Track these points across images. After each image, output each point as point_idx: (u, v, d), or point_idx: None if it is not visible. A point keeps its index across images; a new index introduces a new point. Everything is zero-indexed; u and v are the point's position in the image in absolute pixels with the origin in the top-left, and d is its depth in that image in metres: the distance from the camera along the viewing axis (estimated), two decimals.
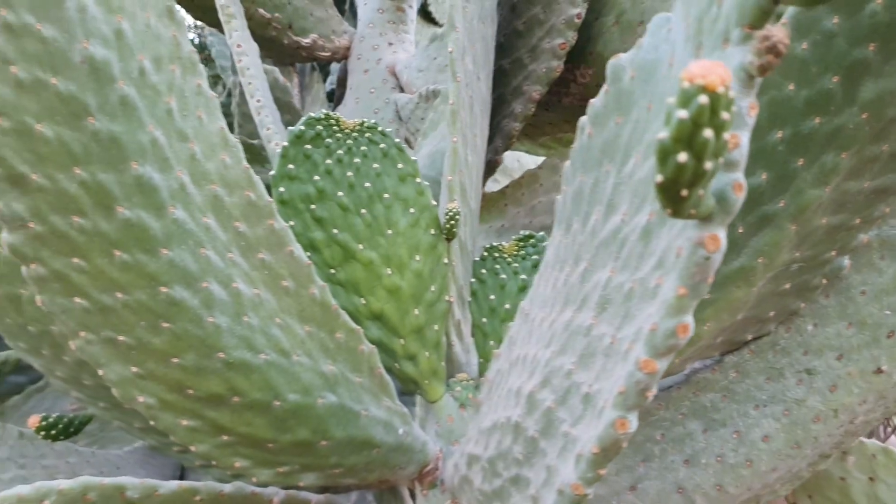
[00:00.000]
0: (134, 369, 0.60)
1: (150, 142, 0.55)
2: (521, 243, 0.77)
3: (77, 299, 0.57)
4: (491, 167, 0.92)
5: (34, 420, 0.85)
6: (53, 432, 0.85)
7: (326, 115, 0.72)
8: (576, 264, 0.45)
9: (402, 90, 1.18)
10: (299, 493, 0.75)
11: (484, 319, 0.77)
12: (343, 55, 1.25)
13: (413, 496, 0.98)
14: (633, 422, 0.38)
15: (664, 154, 0.28)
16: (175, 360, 0.60)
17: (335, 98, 1.35)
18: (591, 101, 0.44)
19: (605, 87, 0.43)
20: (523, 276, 0.75)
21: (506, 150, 0.94)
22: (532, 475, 0.50)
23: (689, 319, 0.34)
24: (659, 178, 0.29)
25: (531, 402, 0.50)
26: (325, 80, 1.46)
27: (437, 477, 0.76)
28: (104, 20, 0.52)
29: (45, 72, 0.51)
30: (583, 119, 0.45)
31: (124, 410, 0.87)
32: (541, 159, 1.55)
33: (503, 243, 0.78)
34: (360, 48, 1.23)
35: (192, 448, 0.64)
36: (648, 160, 0.38)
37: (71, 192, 0.54)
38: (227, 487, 0.73)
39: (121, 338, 0.58)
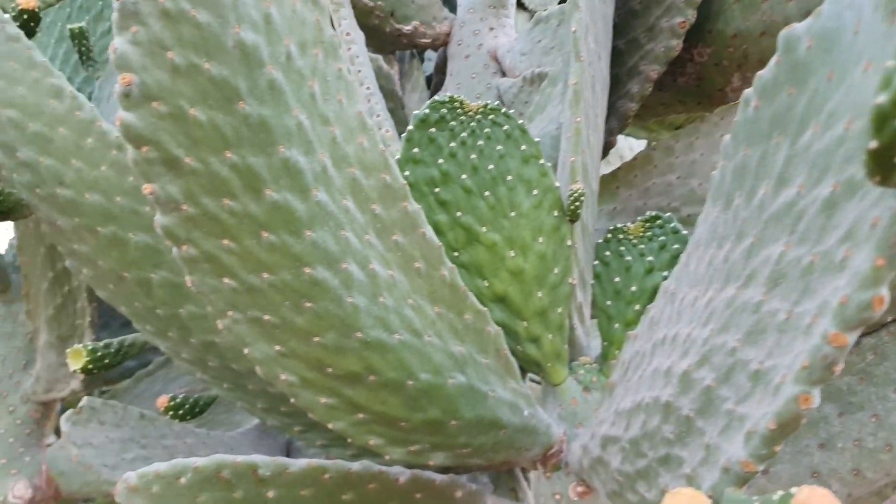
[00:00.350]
0: (277, 348, 0.61)
1: (295, 125, 0.56)
2: (648, 224, 0.76)
3: (226, 280, 0.58)
4: (604, 149, 0.91)
5: (163, 400, 0.89)
6: (181, 412, 0.88)
7: (451, 98, 0.72)
8: (738, 240, 0.45)
9: (503, 75, 1.18)
10: (423, 473, 0.76)
11: (608, 302, 0.76)
12: (443, 41, 1.25)
13: (526, 477, 0.99)
14: (816, 397, 0.37)
15: (881, 119, 0.27)
16: (316, 338, 0.61)
17: (433, 85, 1.36)
18: (758, 73, 0.44)
19: (775, 59, 0.42)
20: (650, 259, 0.74)
21: (620, 131, 0.93)
22: (686, 454, 0.49)
23: (885, 291, 0.33)
24: (873, 143, 0.28)
25: (685, 382, 0.49)
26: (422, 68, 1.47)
27: (561, 459, 0.76)
28: (254, 5, 0.54)
29: (200, 57, 0.52)
30: (747, 92, 0.45)
31: (247, 391, 0.89)
32: (642, 142, 1.54)
33: (628, 224, 0.77)
34: (461, 34, 1.23)
35: (330, 425, 0.65)
36: (830, 130, 0.38)
37: (222, 175, 0.55)
38: (355, 466, 0.74)
39: (266, 317, 0.60)
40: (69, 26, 1.22)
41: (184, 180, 0.55)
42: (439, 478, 0.76)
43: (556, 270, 0.74)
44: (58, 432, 1.46)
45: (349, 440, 0.67)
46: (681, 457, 0.50)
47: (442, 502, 0.77)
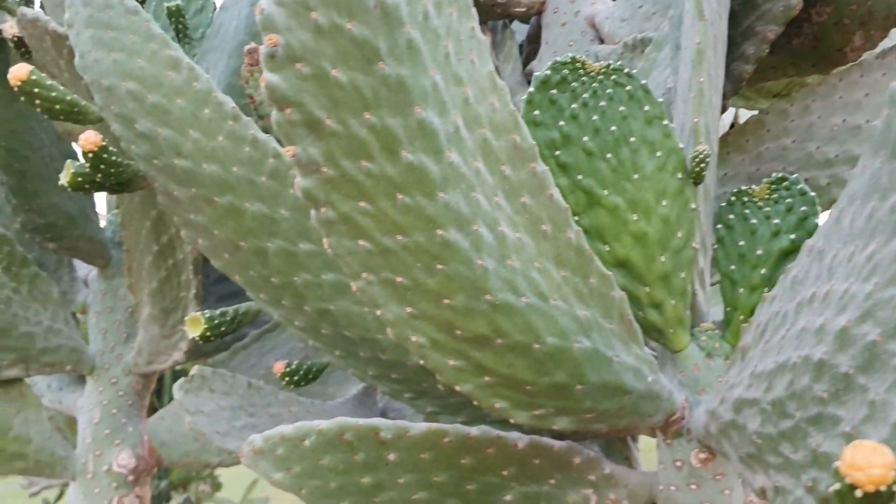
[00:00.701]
0: (409, 310, 0.61)
1: (431, 86, 0.56)
2: (774, 186, 0.74)
3: (361, 242, 0.59)
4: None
5: (279, 366, 0.90)
6: (296, 378, 0.89)
7: (573, 58, 0.71)
8: None
9: (601, 42, 1.16)
10: (541, 439, 0.76)
11: (732, 266, 0.74)
12: (538, 10, 1.24)
13: (635, 444, 0.98)
14: None
15: None
16: (446, 301, 0.61)
17: (525, 55, 1.35)
18: None
19: None
20: (776, 221, 0.72)
21: (734, 94, 0.91)
22: (843, 412, 0.48)
23: None
24: None
25: (843, 339, 0.48)
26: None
27: (683, 426, 0.75)
28: None
29: (342, 17, 0.52)
30: None
31: (359, 358, 0.90)
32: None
33: (753, 187, 0.75)
34: (557, 1, 1.21)
35: (457, 387, 0.65)
36: None
37: (361, 137, 0.55)
38: (474, 430, 0.74)
39: (398, 279, 0.60)
40: (166, 4, 1.25)
41: (324, 142, 0.55)
42: (557, 444, 0.76)
43: (679, 234, 0.73)
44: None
45: (475, 403, 0.67)
46: (837, 415, 0.49)
47: (560, 468, 0.77)
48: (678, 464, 0.75)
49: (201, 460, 1.38)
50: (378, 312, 0.62)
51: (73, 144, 1.32)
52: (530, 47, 1.33)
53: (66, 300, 1.38)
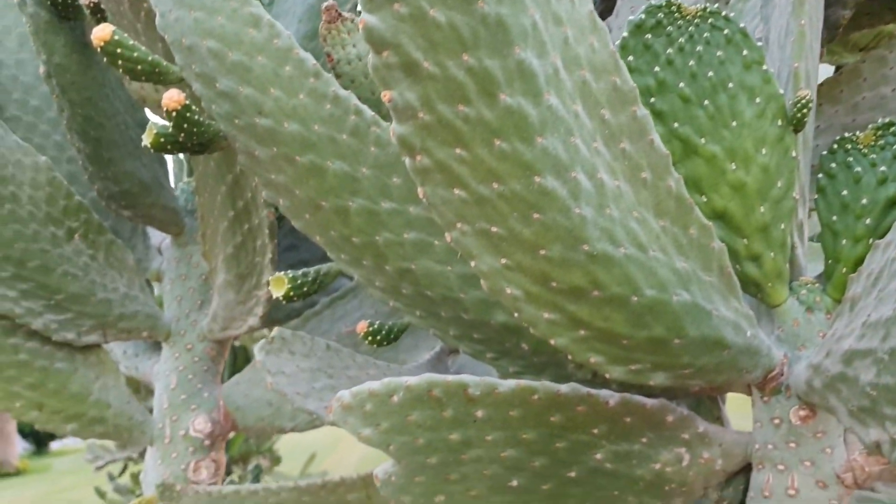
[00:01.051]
0: (503, 261, 0.60)
1: (530, 25, 0.54)
2: (880, 132, 0.70)
3: (457, 190, 0.57)
4: None
5: (362, 326, 0.90)
6: (378, 338, 0.89)
7: (668, 1, 0.68)
8: None
9: None
10: (633, 397, 0.74)
11: (834, 217, 0.71)
12: None
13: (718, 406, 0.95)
14: None
15: None
16: (542, 251, 0.59)
17: (600, 11, 1.31)
18: None
19: None
20: (882, 169, 0.69)
21: (830, 41, 0.87)
22: None
23: None
24: None
25: None
26: None
27: (781, 382, 0.72)
28: None
29: None
30: None
31: (440, 318, 0.89)
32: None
33: (857, 133, 0.72)
34: None
35: (552, 341, 0.64)
36: None
37: (458, 80, 0.54)
38: (564, 388, 0.73)
39: (493, 229, 0.59)
40: None
41: (421, 86, 0.54)
42: (650, 402, 0.74)
43: (779, 184, 0.70)
44: None
45: (569, 357, 0.65)
46: None
47: (652, 426, 0.75)
48: (776, 422, 0.73)
49: (275, 425, 1.40)
50: (472, 264, 0.61)
51: (147, 112, 1.33)
52: (604, 3, 1.29)
53: (141, 267, 1.40)
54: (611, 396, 0.73)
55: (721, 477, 0.78)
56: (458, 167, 0.57)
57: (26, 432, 11.99)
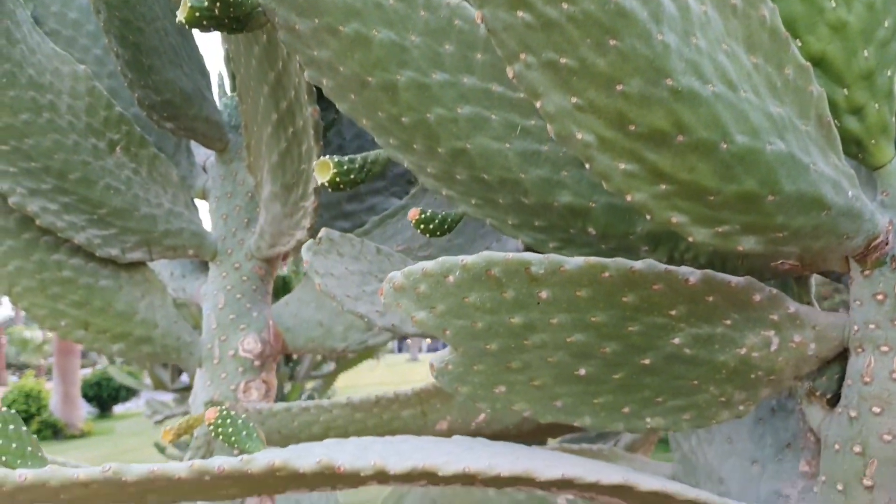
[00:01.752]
0: (574, 100, 0.53)
1: None
2: None
3: (520, 13, 0.50)
4: None
5: (414, 213, 0.84)
6: (431, 226, 0.82)
7: None
8: None
9: None
10: (716, 274, 0.66)
11: None
12: None
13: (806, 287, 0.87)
14: None
15: None
16: (619, 86, 0.52)
17: None
18: None
19: None
20: None
21: None
22: None
23: None
24: None
25: None
26: None
27: (886, 253, 0.64)
28: None
29: None
30: None
31: (498, 205, 0.82)
32: None
33: None
34: None
35: (629, 196, 0.57)
36: None
37: None
38: (638, 264, 0.65)
39: (563, 60, 0.52)
40: None
41: None
42: (735, 279, 0.67)
43: (886, 23, 0.61)
44: None
45: (648, 217, 0.58)
46: None
47: (737, 307, 0.67)
48: (879, 297, 0.65)
49: (326, 346, 1.35)
50: (538, 104, 0.54)
51: None
52: None
53: (185, 185, 1.36)
54: (691, 273, 0.66)
55: (814, 364, 0.70)
56: None
57: (90, 396, 12.39)
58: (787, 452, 0.84)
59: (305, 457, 0.60)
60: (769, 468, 0.84)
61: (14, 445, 0.65)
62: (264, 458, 0.59)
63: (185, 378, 6.35)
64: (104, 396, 12.66)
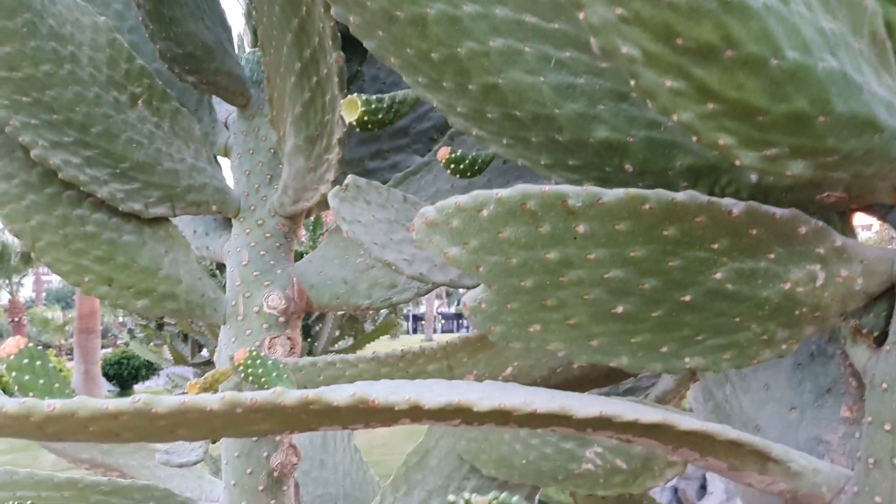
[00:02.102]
0: (619, 11, 0.50)
1: None
2: None
3: None
4: None
5: (444, 152, 0.82)
6: (461, 166, 0.81)
7: None
8: None
9: None
10: (760, 206, 0.64)
11: None
12: None
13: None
14: None
15: None
16: None
17: None
18: None
19: None
20: None
21: None
22: None
23: None
24: None
25: None
26: None
27: None
28: None
29: None
30: None
31: (530, 144, 0.80)
32: None
33: None
34: None
35: (674, 116, 0.54)
36: None
37: None
38: (680, 196, 0.63)
39: None
40: None
41: None
42: (780, 211, 0.64)
43: None
44: None
45: (694, 138, 0.56)
46: None
47: (782, 240, 0.65)
48: None
49: (350, 303, 1.34)
50: (581, 15, 0.51)
51: None
52: None
53: (208, 140, 1.35)
54: (735, 205, 0.64)
55: (860, 300, 0.68)
56: None
57: (111, 375, 12.56)
58: (827, 398, 0.82)
59: (339, 391, 0.59)
60: (808, 414, 0.82)
61: (41, 381, 0.64)
62: (298, 392, 0.58)
63: (204, 353, 6.40)
64: (124, 375, 12.81)
